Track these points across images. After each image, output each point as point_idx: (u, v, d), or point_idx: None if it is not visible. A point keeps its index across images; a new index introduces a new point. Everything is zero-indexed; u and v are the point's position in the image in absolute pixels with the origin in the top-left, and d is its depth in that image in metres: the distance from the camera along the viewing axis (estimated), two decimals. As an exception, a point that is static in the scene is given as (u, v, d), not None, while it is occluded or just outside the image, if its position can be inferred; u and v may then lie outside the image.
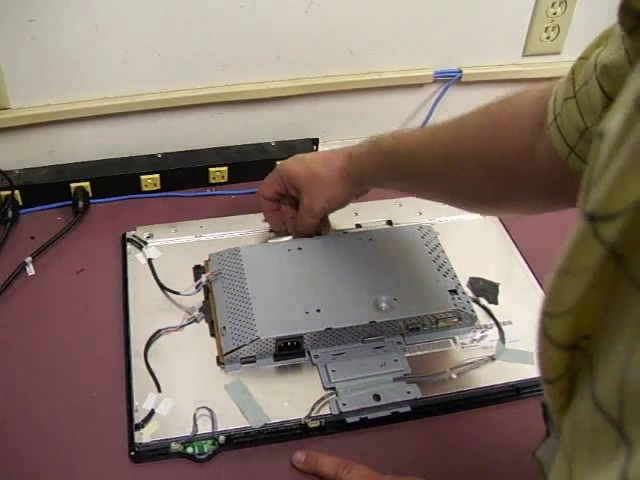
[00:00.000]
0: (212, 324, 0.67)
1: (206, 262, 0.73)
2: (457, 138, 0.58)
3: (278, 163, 0.86)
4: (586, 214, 0.25)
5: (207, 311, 0.68)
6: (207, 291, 0.70)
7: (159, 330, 0.66)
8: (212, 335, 0.66)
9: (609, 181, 0.23)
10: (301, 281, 0.68)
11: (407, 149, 0.62)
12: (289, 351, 0.64)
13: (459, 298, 0.68)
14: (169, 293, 0.70)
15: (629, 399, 0.23)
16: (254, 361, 0.64)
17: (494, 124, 0.54)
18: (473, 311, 0.68)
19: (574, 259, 0.26)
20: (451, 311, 0.66)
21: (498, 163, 0.53)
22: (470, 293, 0.72)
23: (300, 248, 0.72)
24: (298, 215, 0.72)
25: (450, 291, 0.68)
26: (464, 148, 0.57)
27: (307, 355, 0.65)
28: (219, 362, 0.64)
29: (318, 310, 0.65)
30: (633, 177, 0.22)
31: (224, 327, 0.65)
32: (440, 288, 0.68)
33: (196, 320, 0.67)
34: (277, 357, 0.64)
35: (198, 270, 0.72)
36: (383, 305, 0.66)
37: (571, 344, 0.28)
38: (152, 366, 0.63)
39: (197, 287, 0.69)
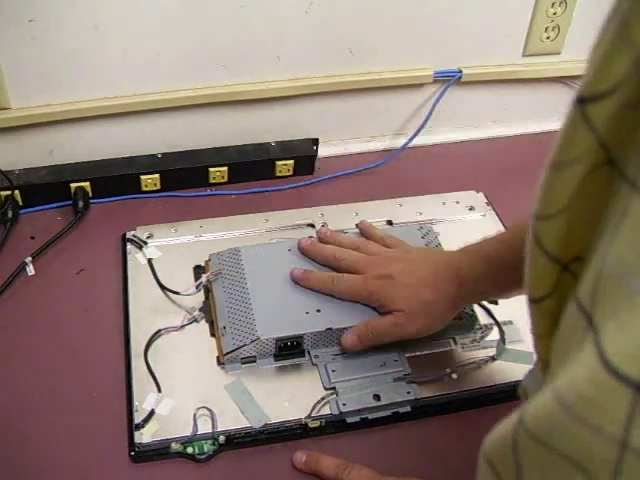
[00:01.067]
0: (212, 324, 0.67)
1: (206, 262, 0.73)
2: None
3: (279, 163, 0.87)
4: (576, 97, 0.24)
5: (207, 311, 0.68)
6: (207, 291, 0.70)
7: (159, 330, 0.66)
8: (212, 335, 0.67)
9: (597, 59, 0.24)
10: None
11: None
12: (289, 351, 0.64)
13: None
14: (169, 293, 0.70)
15: (602, 287, 0.22)
16: (254, 361, 0.64)
17: None
18: (473, 311, 0.68)
19: (564, 149, 0.25)
20: None
21: None
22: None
23: None
24: (385, 323, 0.63)
25: None
26: None
27: (307, 355, 0.65)
28: (219, 362, 0.64)
29: (318, 310, 0.65)
30: (620, 52, 0.22)
31: (224, 327, 0.65)
32: None
33: (196, 320, 0.68)
34: (277, 357, 0.64)
35: (198, 270, 0.72)
36: None
37: (562, 260, 0.27)
38: (152, 366, 0.63)
39: (197, 287, 0.69)
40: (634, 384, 0.19)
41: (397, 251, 0.68)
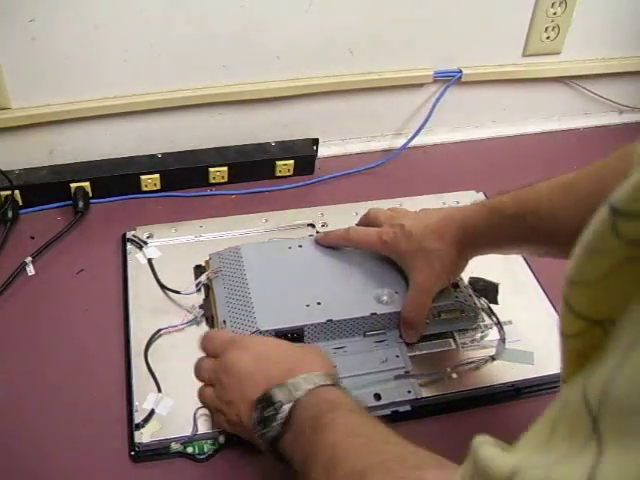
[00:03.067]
0: (212, 323, 0.67)
1: (206, 262, 0.73)
2: (602, 183, 0.51)
3: (279, 163, 0.87)
4: (609, 205, 0.24)
5: (207, 309, 0.68)
6: (207, 290, 0.70)
7: (159, 330, 0.66)
8: (209, 323, 0.66)
9: (635, 180, 0.23)
10: (302, 276, 0.68)
11: (542, 210, 0.56)
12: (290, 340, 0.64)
13: (461, 291, 0.68)
14: (169, 293, 0.70)
15: (608, 401, 0.23)
16: None
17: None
18: (475, 304, 0.68)
19: (593, 241, 0.26)
20: (453, 303, 0.66)
21: None
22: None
23: (301, 246, 0.72)
24: (409, 297, 0.65)
25: (452, 285, 0.68)
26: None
27: None
28: None
29: (319, 303, 0.65)
30: None
31: (224, 321, 0.65)
32: None
33: (196, 320, 0.67)
34: None
35: (199, 270, 0.72)
36: (384, 298, 0.66)
37: (591, 318, 0.28)
38: (152, 366, 0.63)
39: (197, 286, 0.69)
40: None
41: (407, 211, 0.71)
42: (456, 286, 0.68)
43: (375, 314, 0.64)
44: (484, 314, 0.70)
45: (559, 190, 0.55)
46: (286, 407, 0.50)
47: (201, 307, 0.68)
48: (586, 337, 0.28)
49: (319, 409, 0.48)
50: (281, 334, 0.63)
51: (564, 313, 0.29)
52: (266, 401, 0.50)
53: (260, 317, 0.63)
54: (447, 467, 0.39)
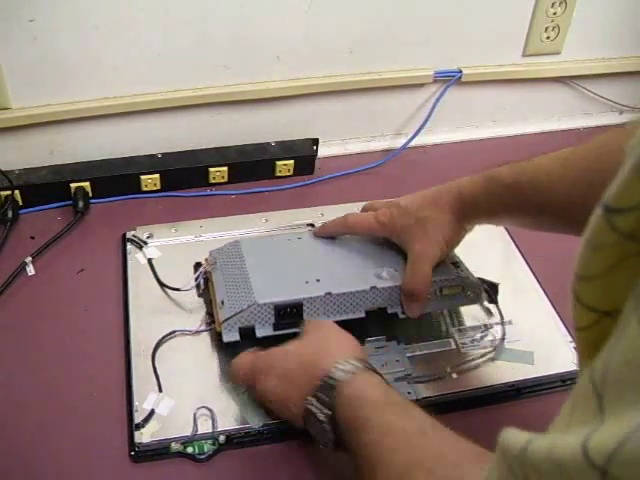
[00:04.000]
0: (211, 316, 0.66)
1: (206, 260, 0.73)
2: (600, 160, 0.52)
3: (279, 163, 0.87)
4: (602, 204, 0.26)
5: (206, 298, 0.68)
6: (207, 283, 0.69)
7: (174, 331, 0.66)
8: (211, 322, 0.66)
9: (624, 176, 0.24)
10: (301, 260, 0.67)
11: (538, 180, 0.56)
12: (289, 320, 0.62)
13: (462, 270, 0.67)
14: (169, 292, 0.70)
15: (608, 376, 0.24)
16: (253, 333, 0.62)
17: None
18: (477, 282, 0.68)
19: (594, 237, 0.27)
20: (455, 278, 0.66)
21: None
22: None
23: (300, 238, 0.71)
24: (408, 267, 0.63)
25: (452, 263, 0.67)
26: (609, 171, 0.53)
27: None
28: (218, 336, 0.63)
29: (318, 280, 0.64)
30: None
31: (222, 301, 0.64)
32: (443, 261, 0.66)
33: (213, 328, 0.66)
34: (277, 326, 0.63)
35: (199, 266, 0.72)
36: (384, 275, 0.65)
37: (600, 309, 0.29)
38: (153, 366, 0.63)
39: (196, 279, 0.69)
40: (600, 467, 0.21)
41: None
42: (457, 265, 0.68)
43: (375, 287, 0.63)
44: (484, 314, 0.70)
45: (558, 164, 0.56)
46: (324, 418, 0.51)
47: (200, 296, 0.68)
48: (597, 328, 0.29)
49: (352, 409, 0.49)
50: (280, 309, 0.62)
51: (575, 306, 0.30)
52: (308, 416, 0.52)
53: (258, 291, 0.62)
54: (484, 458, 0.38)
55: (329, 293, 0.63)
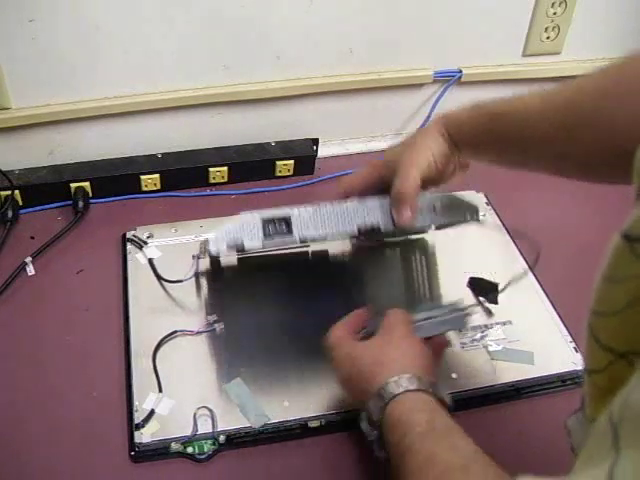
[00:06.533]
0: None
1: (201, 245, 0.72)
2: (575, 100, 0.53)
3: (279, 163, 0.87)
4: (622, 232, 0.25)
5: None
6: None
7: (175, 331, 0.66)
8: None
9: None
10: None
11: (518, 112, 0.57)
12: (277, 229, 0.63)
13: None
14: (169, 293, 0.70)
15: (627, 416, 0.23)
16: (242, 247, 0.62)
17: (618, 87, 0.51)
18: (472, 203, 0.67)
19: (613, 269, 0.26)
20: (449, 196, 0.66)
21: (617, 128, 0.49)
22: (471, 294, 0.72)
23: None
24: (396, 175, 0.62)
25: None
26: (583, 112, 0.52)
27: (296, 236, 0.63)
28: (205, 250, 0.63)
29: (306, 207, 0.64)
30: None
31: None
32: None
33: (214, 329, 0.67)
34: (266, 237, 0.63)
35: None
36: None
37: (616, 351, 0.28)
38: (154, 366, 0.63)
39: (197, 259, 0.70)
40: None
41: None
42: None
43: (364, 202, 0.63)
44: (484, 314, 0.70)
45: (538, 98, 0.57)
46: (373, 438, 0.51)
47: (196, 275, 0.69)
48: (611, 371, 0.28)
49: (397, 434, 0.48)
50: (267, 221, 0.62)
51: (590, 345, 0.29)
52: (362, 416, 0.53)
53: (244, 214, 0.62)
54: None
55: (318, 207, 0.63)
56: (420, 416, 0.49)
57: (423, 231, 0.72)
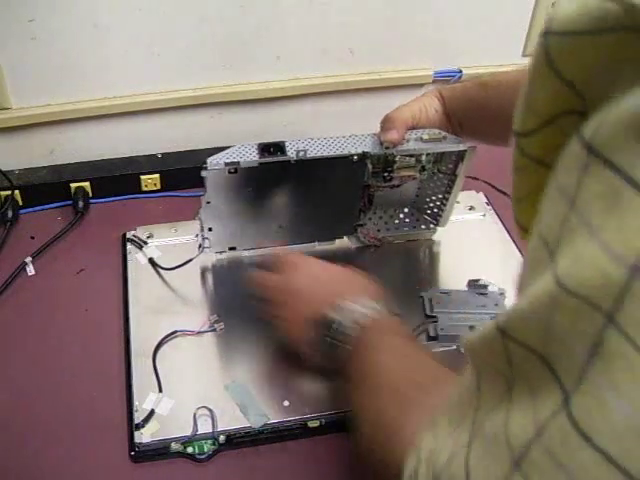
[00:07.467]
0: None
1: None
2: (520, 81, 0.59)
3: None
4: (513, 130, 0.30)
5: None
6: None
7: (175, 331, 0.66)
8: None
9: (523, 102, 0.28)
10: None
11: (498, 83, 0.62)
12: (272, 152, 0.66)
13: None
14: (169, 293, 0.70)
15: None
16: (238, 164, 0.65)
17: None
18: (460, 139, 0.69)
19: (514, 161, 0.31)
20: (437, 132, 0.68)
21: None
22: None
23: None
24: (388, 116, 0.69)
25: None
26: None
27: (292, 155, 0.66)
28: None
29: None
30: (538, 97, 0.28)
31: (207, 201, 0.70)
32: None
33: (215, 329, 0.67)
34: (262, 157, 0.65)
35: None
36: None
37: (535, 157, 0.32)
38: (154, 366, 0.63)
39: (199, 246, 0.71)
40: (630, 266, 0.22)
41: None
42: None
43: (354, 135, 0.70)
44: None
45: (517, 72, 0.61)
46: (345, 329, 0.54)
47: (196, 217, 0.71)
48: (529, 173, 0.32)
49: (373, 332, 0.53)
50: (263, 146, 0.65)
51: (514, 228, 0.35)
52: (326, 322, 0.55)
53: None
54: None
55: (311, 137, 0.67)
56: (394, 338, 0.53)
57: (411, 164, 0.74)
